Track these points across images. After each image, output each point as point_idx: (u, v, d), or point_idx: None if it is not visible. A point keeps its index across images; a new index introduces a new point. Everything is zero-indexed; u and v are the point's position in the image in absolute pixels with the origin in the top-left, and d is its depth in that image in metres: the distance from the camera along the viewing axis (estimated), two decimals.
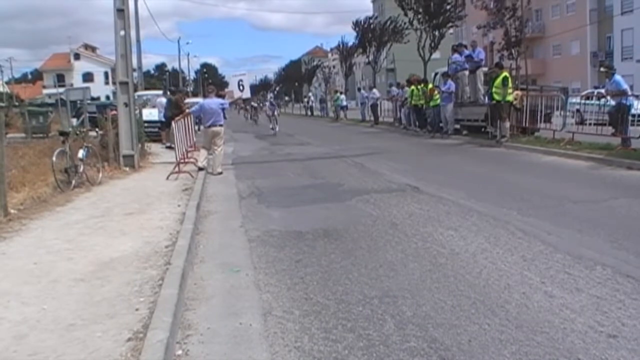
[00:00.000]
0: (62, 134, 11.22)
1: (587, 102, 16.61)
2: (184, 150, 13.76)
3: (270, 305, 4.52)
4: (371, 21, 39.65)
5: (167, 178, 11.65)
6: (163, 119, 18.54)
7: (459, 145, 17.18)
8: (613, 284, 4.65)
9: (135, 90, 19.63)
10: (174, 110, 16.69)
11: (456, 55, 19.65)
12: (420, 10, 26.79)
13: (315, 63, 69.70)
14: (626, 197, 8.25)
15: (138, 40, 30.62)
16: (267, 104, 32.26)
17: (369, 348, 3.68)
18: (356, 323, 4.09)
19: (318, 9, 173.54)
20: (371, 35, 38.40)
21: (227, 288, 5.01)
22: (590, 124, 14.88)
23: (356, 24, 39.90)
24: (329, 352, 3.65)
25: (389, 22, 37.28)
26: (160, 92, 24.80)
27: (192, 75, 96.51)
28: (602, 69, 14.18)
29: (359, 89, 41.89)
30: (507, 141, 15.63)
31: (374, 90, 31.59)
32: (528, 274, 4.98)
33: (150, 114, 19.94)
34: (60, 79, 63.20)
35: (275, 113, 27.86)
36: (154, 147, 17.25)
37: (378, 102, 29.94)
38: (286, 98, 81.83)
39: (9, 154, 10.98)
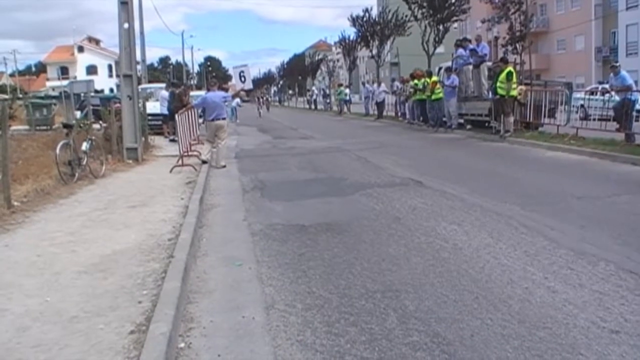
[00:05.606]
0: (65, 126, 11.22)
1: (592, 97, 16.54)
2: (187, 143, 13.77)
3: (272, 298, 4.53)
4: (368, 14, 39.01)
5: (171, 171, 11.67)
6: (166, 112, 18.56)
7: (462, 140, 17.13)
8: (616, 279, 4.64)
9: (139, 83, 19.63)
10: (176, 103, 16.72)
11: (460, 50, 19.55)
12: (425, 4, 26.68)
13: (319, 57, 69.34)
14: (630, 193, 8.22)
15: (142, 33, 30.60)
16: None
17: (371, 342, 3.68)
18: (359, 317, 4.09)
19: (325, 2, 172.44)
20: (373, 29, 38.03)
21: (230, 281, 5.01)
22: (594, 120, 14.82)
23: (354, 19, 39.36)
24: (332, 346, 3.65)
25: (389, 14, 36.77)
26: (163, 85, 24.77)
27: (196, 69, 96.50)
28: (614, 64, 14.22)
29: (363, 83, 41.58)
30: (511, 136, 15.58)
31: (382, 84, 31.31)
32: (531, 269, 4.97)
33: (154, 107, 19.97)
34: (64, 72, 63.20)
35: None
36: (158, 140, 17.27)
37: (385, 97, 29.74)
38: (290, 92, 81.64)
39: (13, 147, 11.00)
